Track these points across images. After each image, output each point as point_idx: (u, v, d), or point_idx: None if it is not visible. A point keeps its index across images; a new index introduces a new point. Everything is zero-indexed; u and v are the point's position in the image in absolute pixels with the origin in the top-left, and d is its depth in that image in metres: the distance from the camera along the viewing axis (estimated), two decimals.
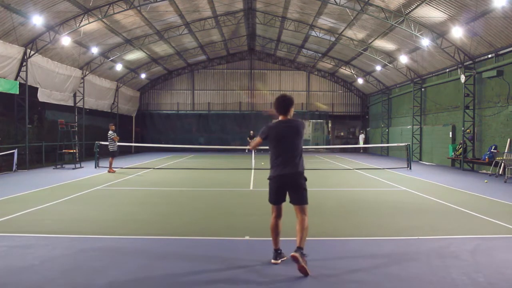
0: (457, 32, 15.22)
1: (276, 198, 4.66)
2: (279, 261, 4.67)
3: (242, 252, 5.19)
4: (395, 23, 16.98)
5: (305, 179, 4.64)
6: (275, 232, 4.72)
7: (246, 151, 27.86)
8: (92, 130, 24.25)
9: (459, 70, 17.92)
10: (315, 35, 23.72)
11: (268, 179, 4.70)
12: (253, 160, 17.96)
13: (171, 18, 21.11)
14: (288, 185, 4.60)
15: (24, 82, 16.72)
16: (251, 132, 30.16)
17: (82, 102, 22.56)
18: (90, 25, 17.80)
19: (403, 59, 21.07)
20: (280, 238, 5.40)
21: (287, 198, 4.69)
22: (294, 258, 4.25)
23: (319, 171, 16.37)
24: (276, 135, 4.65)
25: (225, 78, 33.68)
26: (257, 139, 4.83)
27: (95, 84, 24.09)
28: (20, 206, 7.99)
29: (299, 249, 4.39)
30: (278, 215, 4.72)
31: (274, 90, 33.71)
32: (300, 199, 4.60)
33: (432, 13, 15.55)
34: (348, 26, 20.92)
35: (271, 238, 4.78)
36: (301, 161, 4.64)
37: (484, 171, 16.01)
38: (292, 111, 4.75)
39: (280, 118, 4.74)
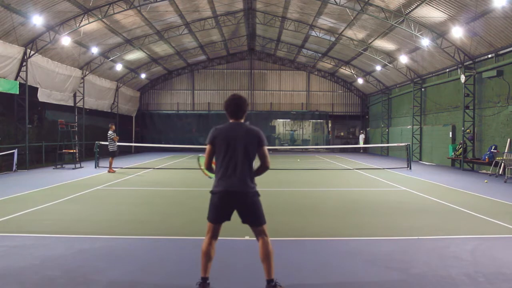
0: (457, 32, 15.22)
1: (216, 217, 3.79)
2: None
3: (242, 252, 5.19)
4: (395, 23, 16.98)
5: (258, 194, 3.83)
6: (207, 256, 3.79)
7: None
8: (92, 130, 24.25)
9: (459, 70, 17.92)
10: (315, 35, 23.72)
11: (211, 192, 3.81)
12: None
13: (171, 18, 21.11)
14: (235, 205, 3.76)
15: (24, 82, 16.72)
16: None
17: (82, 102, 22.56)
18: (90, 25, 17.80)
19: (403, 59, 21.07)
20: (277, 238, 5.38)
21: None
22: None
23: (319, 171, 16.37)
24: (224, 139, 3.76)
25: (225, 78, 33.68)
26: (207, 149, 3.86)
27: (95, 84, 24.09)
28: (20, 206, 7.99)
29: (270, 282, 3.71)
30: (214, 235, 3.84)
31: (274, 90, 33.76)
32: (255, 220, 3.79)
33: (432, 13, 15.55)
34: (348, 26, 20.92)
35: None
36: (252, 176, 3.82)
37: (484, 171, 16.01)
38: (244, 116, 3.92)
39: (231, 121, 3.88)
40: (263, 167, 3.89)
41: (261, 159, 3.88)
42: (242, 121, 3.91)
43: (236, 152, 3.74)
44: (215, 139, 3.79)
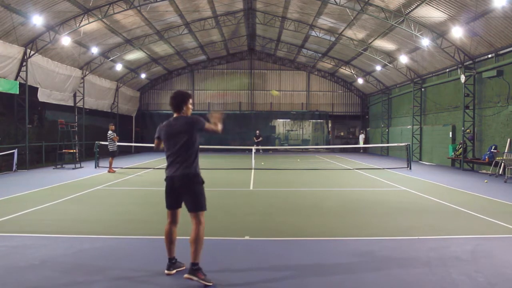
0: (457, 32, 15.22)
1: (169, 202, 4.29)
2: (173, 271, 4.31)
3: (242, 252, 5.18)
4: (395, 23, 16.98)
5: (201, 182, 4.24)
6: (169, 239, 4.32)
7: (247, 152, 27.85)
8: (92, 130, 24.25)
9: (459, 70, 17.92)
10: (315, 35, 23.72)
11: (164, 180, 4.33)
12: (253, 160, 17.94)
13: (171, 18, 21.11)
14: (178, 189, 4.19)
15: (24, 82, 16.72)
16: (257, 131, 30.22)
17: (82, 102, 22.55)
18: (90, 25, 17.80)
19: (403, 59, 21.07)
20: (277, 238, 5.36)
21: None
22: (189, 279, 4.02)
23: (319, 171, 16.37)
24: (165, 134, 4.30)
25: (225, 78, 33.68)
26: (155, 142, 4.52)
27: (95, 84, 24.09)
28: (20, 206, 7.99)
29: (193, 265, 4.04)
30: (172, 221, 4.34)
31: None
32: (193, 205, 4.18)
33: (432, 13, 15.55)
34: (348, 26, 20.92)
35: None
36: (195, 161, 4.25)
37: (484, 171, 16.01)
38: (187, 109, 4.38)
39: (174, 115, 4.40)
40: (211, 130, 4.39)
41: (210, 130, 4.37)
42: (183, 113, 4.36)
43: (176, 142, 4.21)
44: (160, 134, 4.37)
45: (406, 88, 25.08)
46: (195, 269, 4.03)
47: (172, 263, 4.35)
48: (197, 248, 4.07)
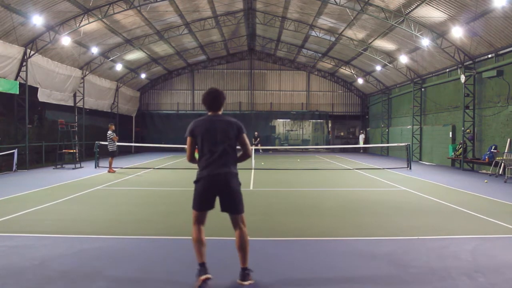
0: (457, 32, 15.22)
1: (201, 203, 4.03)
2: (210, 275, 3.94)
3: None
4: (395, 23, 16.99)
5: (240, 184, 4.07)
6: (201, 242, 4.00)
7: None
8: (92, 130, 24.25)
9: (459, 70, 17.92)
10: (315, 35, 23.73)
11: (194, 182, 4.08)
12: (253, 160, 17.93)
13: (171, 18, 21.11)
14: (219, 188, 3.96)
15: (24, 82, 16.72)
16: (256, 133, 30.20)
17: (82, 102, 22.56)
18: (90, 25, 17.80)
19: (403, 59, 21.07)
20: (277, 238, 5.35)
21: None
22: (242, 285, 3.88)
23: (319, 171, 16.37)
24: (204, 130, 3.98)
25: (225, 78, 33.68)
26: (187, 142, 4.07)
27: (95, 84, 24.09)
28: (20, 206, 7.99)
29: (244, 270, 3.90)
30: (201, 222, 4.09)
31: (274, 90, 33.76)
32: (234, 206, 3.98)
33: (432, 13, 15.56)
34: (348, 26, 20.92)
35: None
36: (235, 162, 4.08)
37: (484, 171, 16.01)
38: (221, 108, 4.16)
39: (210, 113, 4.11)
40: (245, 155, 4.19)
41: (242, 146, 4.13)
42: (220, 113, 4.13)
43: (218, 140, 3.96)
44: (195, 130, 4.01)
45: (406, 88, 25.08)
46: (247, 273, 3.94)
47: (205, 267, 3.95)
48: (247, 252, 3.95)
